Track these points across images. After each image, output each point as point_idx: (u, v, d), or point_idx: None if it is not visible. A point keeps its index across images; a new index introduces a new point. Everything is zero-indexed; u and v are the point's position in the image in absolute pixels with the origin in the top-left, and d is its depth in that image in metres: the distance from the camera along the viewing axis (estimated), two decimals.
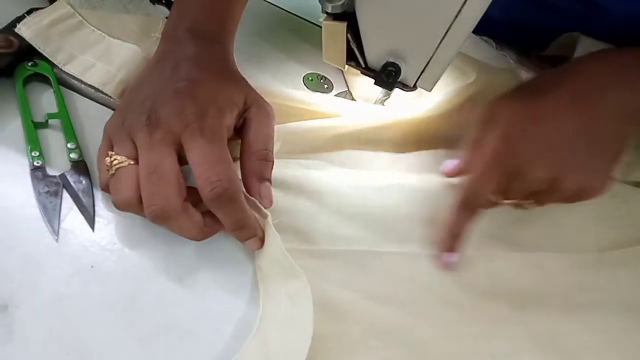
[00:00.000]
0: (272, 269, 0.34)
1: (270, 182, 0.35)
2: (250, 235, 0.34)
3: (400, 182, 0.43)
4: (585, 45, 0.49)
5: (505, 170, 0.37)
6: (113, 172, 0.32)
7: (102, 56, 0.41)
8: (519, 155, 0.37)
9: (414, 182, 0.43)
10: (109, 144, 0.34)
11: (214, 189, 0.31)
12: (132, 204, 0.32)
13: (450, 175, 0.43)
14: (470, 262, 0.40)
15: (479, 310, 0.38)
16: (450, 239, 0.39)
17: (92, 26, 0.43)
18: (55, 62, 0.40)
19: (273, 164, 0.36)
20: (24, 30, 0.39)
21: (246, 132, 0.36)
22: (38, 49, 0.39)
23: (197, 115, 0.32)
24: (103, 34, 0.42)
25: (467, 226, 0.39)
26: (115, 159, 0.32)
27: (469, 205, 0.38)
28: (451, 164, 0.43)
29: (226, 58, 0.39)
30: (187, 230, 0.33)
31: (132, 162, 0.32)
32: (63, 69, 0.40)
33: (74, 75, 0.40)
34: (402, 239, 0.40)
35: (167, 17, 0.45)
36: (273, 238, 0.34)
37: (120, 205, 0.32)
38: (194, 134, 0.32)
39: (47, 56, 0.40)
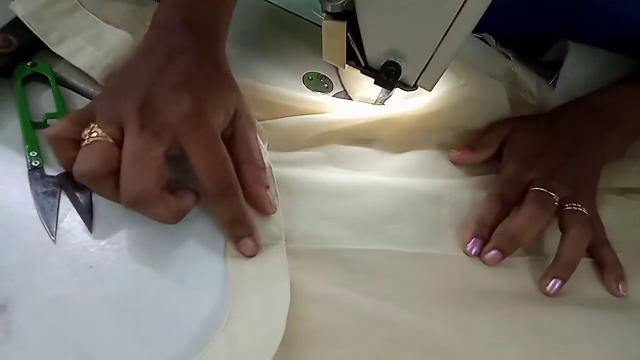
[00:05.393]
0: (258, 274, 0.34)
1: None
2: (247, 232, 0.34)
3: (386, 181, 0.43)
4: (576, 52, 0.50)
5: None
6: (89, 143, 0.32)
7: (94, 40, 0.41)
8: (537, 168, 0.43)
9: (399, 182, 0.43)
10: (89, 118, 0.33)
11: (220, 185, 0.32)
12: (94, 177, 0.31)
13: (459, 161, 0.47)
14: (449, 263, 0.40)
15: (473, 306, 0.38)
16: (480, 228, 0.41)
17: (87, 10, 0.42)
18: (46, 42, 0.39)
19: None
20: (19, 7, 0.39)
21: (243, 142, 0.36)
22: (30, 27, 0.39)
23: (194, 112, 0.32)
24: (97, 19, 0.42)
25: (499, 217, 0.41)
26: (95, 132, 0.32)
27: (502, 197, 0.42)
28: (462, 153, 0.46)
29: (220, 54, 0.39)
30: (163, 217, 0.32)
31: (111, 141, 0.32)
32: (53, 49, 0.39)
33: (63, 57, 0.40)
34: (387, 238, 0.39)
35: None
36: (282, 264, 0.34)
37: (81, 175, 0.31)
38: (194, 130, 0.32)
39: (38, 36, 0.39)
